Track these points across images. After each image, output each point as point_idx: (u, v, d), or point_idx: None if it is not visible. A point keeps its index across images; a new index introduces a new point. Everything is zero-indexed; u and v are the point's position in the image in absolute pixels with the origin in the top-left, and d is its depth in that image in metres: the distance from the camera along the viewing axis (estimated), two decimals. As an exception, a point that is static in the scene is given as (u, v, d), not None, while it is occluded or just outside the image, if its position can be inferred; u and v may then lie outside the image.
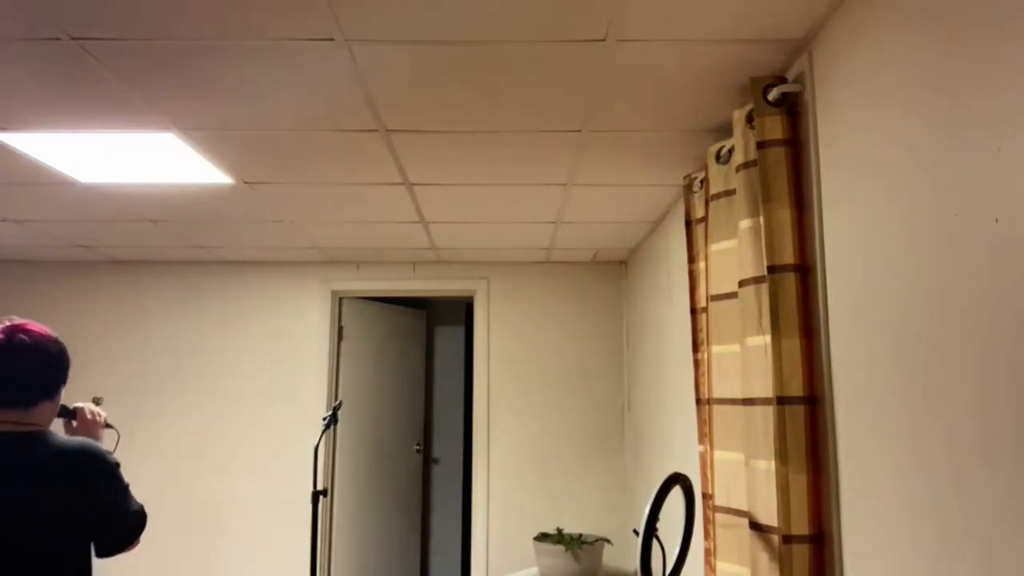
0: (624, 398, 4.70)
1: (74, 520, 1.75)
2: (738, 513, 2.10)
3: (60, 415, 2.02)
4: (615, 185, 3.06)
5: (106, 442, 1.96)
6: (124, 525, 1.85)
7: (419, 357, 5.88)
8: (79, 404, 2.09)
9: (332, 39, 1.83)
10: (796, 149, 1.90)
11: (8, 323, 1.81)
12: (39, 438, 1.76)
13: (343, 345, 4.88)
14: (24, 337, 1.80)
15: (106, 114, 2.28)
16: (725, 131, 2.42)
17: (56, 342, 1.86)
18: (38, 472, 1.71)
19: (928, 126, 1.31)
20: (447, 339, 6.17)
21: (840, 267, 1.68)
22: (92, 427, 2.07)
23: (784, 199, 1.85)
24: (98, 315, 4.74)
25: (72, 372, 4.13)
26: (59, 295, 4.76)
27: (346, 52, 1.89)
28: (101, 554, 1.83)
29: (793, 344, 1.79)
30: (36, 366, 1.80)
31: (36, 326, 1.84)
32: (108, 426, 2.18)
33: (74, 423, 2.07)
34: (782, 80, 1.92)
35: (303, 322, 4.73)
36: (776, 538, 1.82)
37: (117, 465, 1.84)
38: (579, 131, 2.44)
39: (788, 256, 1.83)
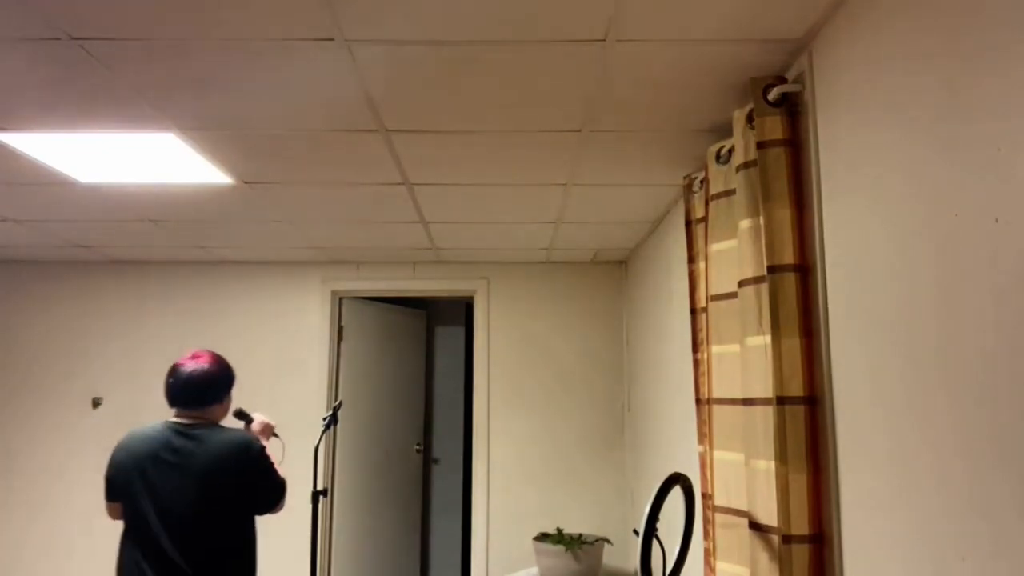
0: (624, 398, 4.70)
1: (232, 486, 2.45)
2: (738, 513, 2.10)
3: (240, 418, 2.87)
4: (615, 185, 3.06)
5: (273, 447, 2.51)
6: (270, 493, 2.54)
7: (419, 357, 5.88)
8: (257, 414, 2.90)
9: (332, 39, 1.83)
10: (796, 149, 1.90)
11: (191, 354, 2.59)
12: (210, 428, 2.52)
13: (343, 345, 4.88)
14: (199, 362, 2.56)
15: (106, 114, 2.28)
16: (725, 131, 2.42)
17: (220, 362, 2.61)
18: (208, 451, 2.46)
19: (928, 125, 1.31)
20: (447, 339, 6.17)
21: (840, 267, 1.68)
22: (263, 432, 2.82)
23: (784, 199, 1.85)
24: (98, 315, 4.74)
25: (71, 372, 4.47)
26: (59, 295, 4.76)
27: (346, 52, 1.89)
28: (258, 513, 2.54)
29: (793, 344, 1.79)
30: (207, 380, 2.55)
31: (207, 353, 2.61)
32: (275, 435, 2.94)
33: (251, 427, 2.81)
34: (782, 80, 1.92)
35: (303, 322, 4.74)
36: (776, 538, 1.82)
37: (263, 449, 2.54)
38: (579, 131, 2.44)
39: (788, 256, 1.83)
